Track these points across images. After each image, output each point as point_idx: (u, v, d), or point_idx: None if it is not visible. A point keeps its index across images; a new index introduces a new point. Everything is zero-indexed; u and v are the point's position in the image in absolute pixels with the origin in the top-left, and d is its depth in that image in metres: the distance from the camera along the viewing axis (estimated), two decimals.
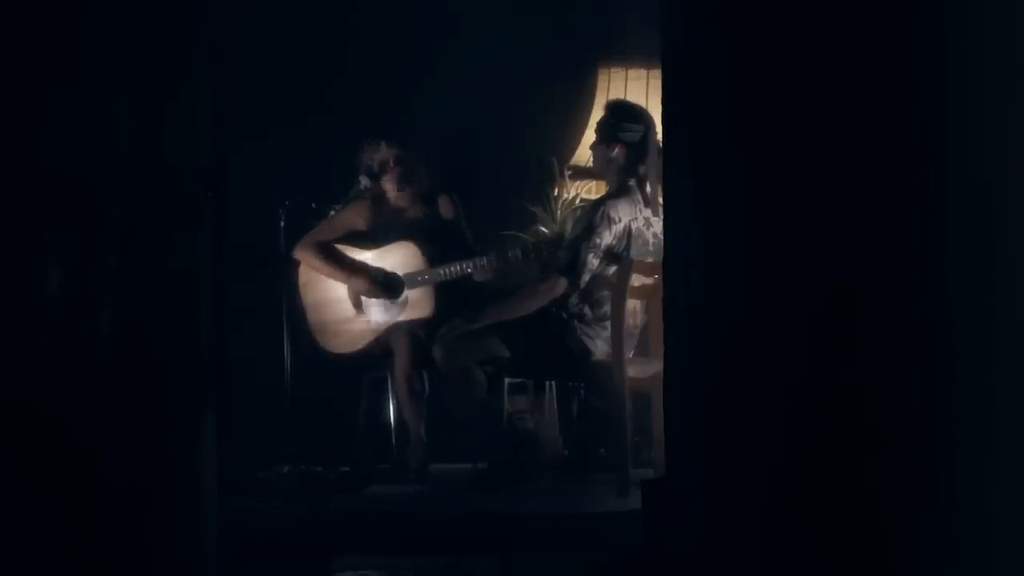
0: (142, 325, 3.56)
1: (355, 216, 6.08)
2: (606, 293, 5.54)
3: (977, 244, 3.02)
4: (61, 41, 3.46)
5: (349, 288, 6.01)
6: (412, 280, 5.93)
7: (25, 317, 3.45)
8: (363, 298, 6.00)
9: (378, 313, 5.98)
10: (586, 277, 5.53)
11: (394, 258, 6.00)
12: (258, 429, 5.63)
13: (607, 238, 5.52)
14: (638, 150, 5.60)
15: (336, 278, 6.02)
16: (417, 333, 5.85)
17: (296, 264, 6.05)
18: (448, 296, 5.90)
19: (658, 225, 5.51)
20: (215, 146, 3.79)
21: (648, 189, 5.59)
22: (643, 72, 6.29)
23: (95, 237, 3.51)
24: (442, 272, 5.85)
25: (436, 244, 5.96)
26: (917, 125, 3.06)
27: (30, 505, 3.41)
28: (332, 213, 6.05)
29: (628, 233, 5.54)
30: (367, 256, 6.04)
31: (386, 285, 5.97)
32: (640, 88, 6.27)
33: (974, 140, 3.02)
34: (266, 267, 5.98)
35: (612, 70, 6.41)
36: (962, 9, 3.03)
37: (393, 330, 5.92)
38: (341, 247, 6.06)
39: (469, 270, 5.79)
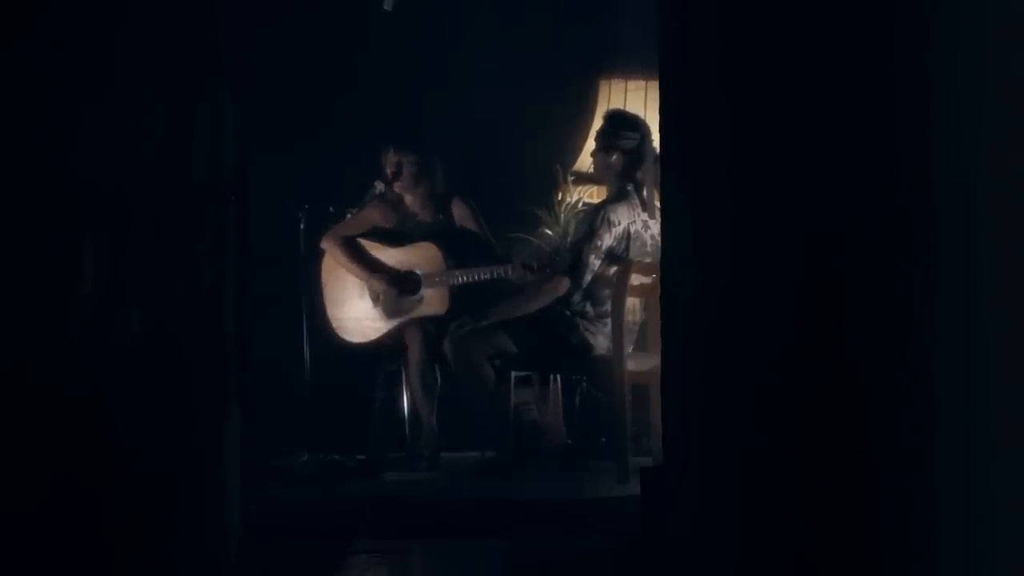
0: (170, 322, 3.56)
1: (377, 215, 6.08)
2: (607, 292, 5.55)
3: (955, 245, 3.01)
4: (93, 52, 3.46)
5: (368, 283, 6.01)
6: (429, 280, 5.93)
7: (59, 316, 3.44)
8: (381, 294, 6.00)
9: (394, 309, 5.98)
10: (588, 277, 5.54)
11: (414, 257, 5.99)
12: (279, 420, 5.63)
13: (607, 240, 5.53)
14: (635, 157, 5.61)
15: (357, 272, 6.02)
16: (429, 329, 5.85)
17: (321, 255, 6.06)
18: (459, 294, 5.90)
19: (655, 227, 5.52)
20: (238, 153, 3.79)
21: (645, 193, 5.60)
22: (642, 83, 6.29)
23: (125, 239, 3.51)
24: (459, 276, 5.84)
25: (456, 247, 5.96)
26: (899, 134, 3.05)
27: (66, 492, 3.42)
28: (348, 216, 6.07)
29: (627, 235, 5.55)
30: (390, 253, 6.04)
31: (404, 282, 5.97)
32: (639, 98, 6.27)
33: (952, 147, 3.02)
34: (287, 266, 5.99)
35: (612, 82, 6.40)
36: (941, 21, 3.03)
37: (407, 326, 5.92)
38: (365, 243, 6.07)
39: (486, 277, 5.78)
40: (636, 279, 5.49)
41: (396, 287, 5.96)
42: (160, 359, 3.54)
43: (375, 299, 6.01)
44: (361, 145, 6.20)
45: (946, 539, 3.00)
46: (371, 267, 6.01)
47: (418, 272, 5.96)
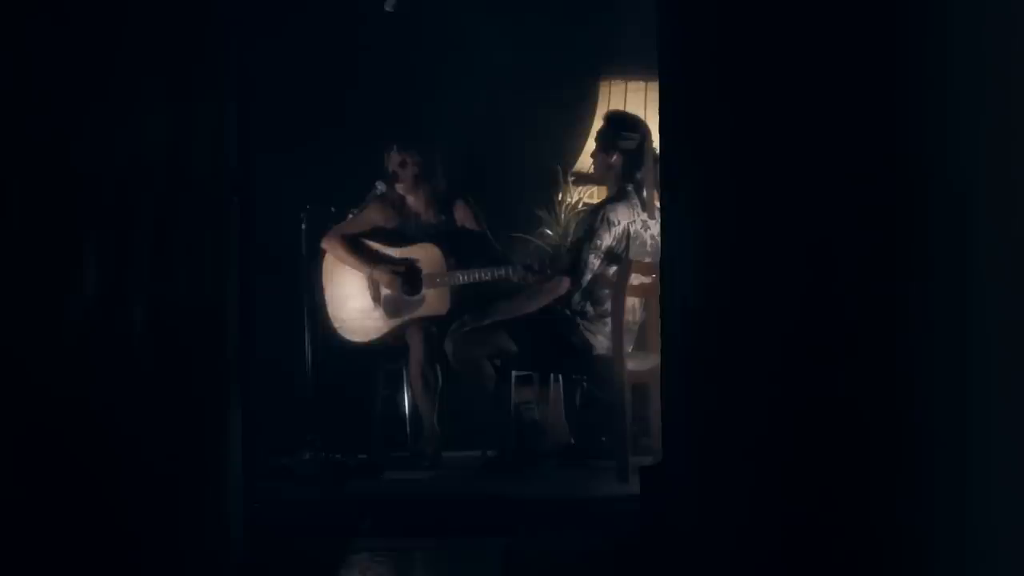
0: (173, 322, 3.55)
1: (378, 215, 6.08)
2: (607, 291, 5.54)
3: (955, 246, 3.01)
4: (95, 52, 3.45)
5: (369, 281, 6.01)
6: (431, 280, 5.93)
7: (63, 317, 3.43)
8: (382, 293, 5.99)
9: (395, 309, 5.98)
10: (587, 276, 5.54)
11: (415, 257, 5.99)
12: (281, 419, 5.63)
13: (607, 240, 5.53)
14: (635, 157, 5.61)
15: (359, 265, 6.02)
16: (431, 329, 5.85)
17: (323, 255, 6.06)
18: (459, 294, 5.89)
19: (655, 227, 5.51)
20: (240, 153, 3.78)
21: (644, 194, 5.60)
22: (642, 84, 6.29)
23: (127, 239, 3.50)
24: (460, 276, 5.84)
25: (458, 248, 5.96)
26: (900, 134, 3.05)
27: (67, 492, 3.41)
28: (350, 216, 6.06)
29: (627, 235, 5.54)
30: (391, 253, 6.03)
31: (405, 281, 5.96)
32: (639, 99, 6.27)
33: (952, 146, 3.01)
34: (288, 266, 5.98)
35: (613, 83, 6.41)
36: (941, 21, 3.02)
37: (409, 326, 5.92)
38: (366, 242, 6.06)
39: (486, 277, 5.78)
40: (636, 279, 5.48)
41: (400, 276, 5.94)
42: (162, 359, 3.53)
43: (376, 298, 6.00)
44: (362, 145, 6.20)
45: (946, 539, 2.99)
46: (373, 259, 6.01)
47: (420, 272, 5.96)
